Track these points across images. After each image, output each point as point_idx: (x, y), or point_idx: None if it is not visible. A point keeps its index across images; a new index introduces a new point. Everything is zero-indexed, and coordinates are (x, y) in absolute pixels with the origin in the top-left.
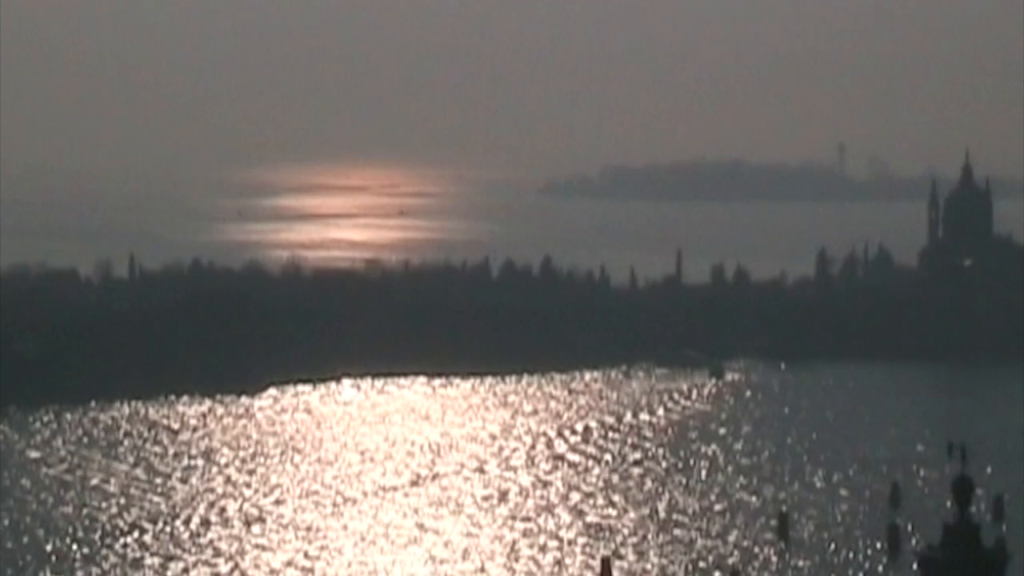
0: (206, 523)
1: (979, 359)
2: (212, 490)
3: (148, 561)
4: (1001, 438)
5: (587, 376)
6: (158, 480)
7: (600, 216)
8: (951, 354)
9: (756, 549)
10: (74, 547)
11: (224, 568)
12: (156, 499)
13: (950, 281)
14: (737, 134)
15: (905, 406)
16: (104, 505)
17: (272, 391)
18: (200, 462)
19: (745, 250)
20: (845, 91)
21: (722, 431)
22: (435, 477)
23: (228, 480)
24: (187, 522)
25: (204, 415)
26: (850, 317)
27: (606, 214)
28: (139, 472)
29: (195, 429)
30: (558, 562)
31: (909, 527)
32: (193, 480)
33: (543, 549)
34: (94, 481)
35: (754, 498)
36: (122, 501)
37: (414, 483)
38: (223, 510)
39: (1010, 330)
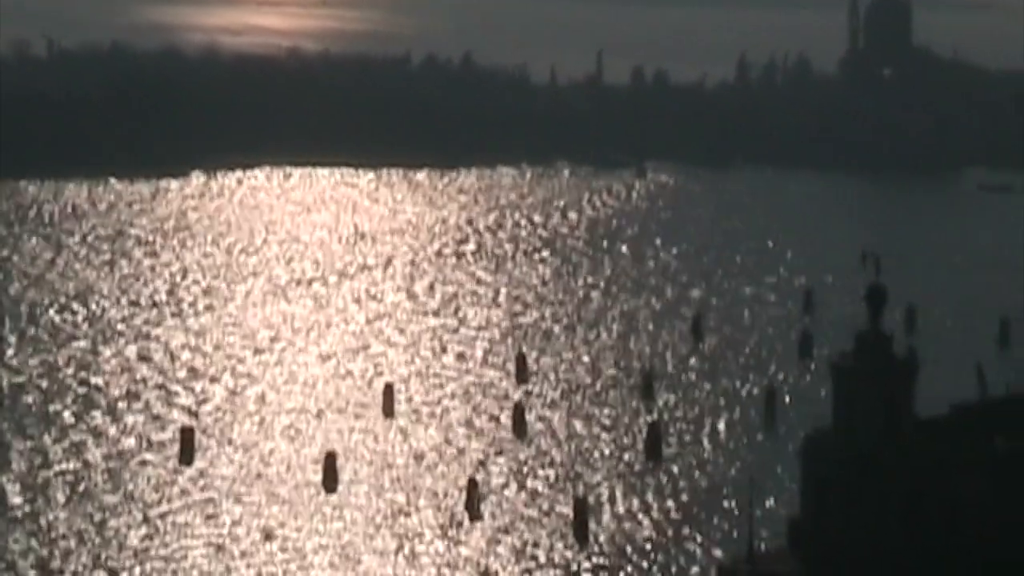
0: (119, 304)
1: (896, 169)
2: (127, 272)
3: (60, 340)
4: (916, 248)
5: (507, 172)
6: (74, 261)
7: (521, 13)
8: (868, 163)
9: (670, 350)
10: None
11: (134, 347)
12: (71, 280)
13: (869, 90)
14: None
15: (821, 214)
16: (18, 284)
17: (193, 175)
18: (118, 244)
19: (665, 53)
20: None
21: (640, 232)
22: (352, 269)
23: (143, 263)
24: (100, 303)
25: (124, 197)
26: (769, 123)
27: (527, 12)
28: (55, 252)
29: (114, 211)
30: (471, 358)
31: (822, 334)
32: (109, 261)
33: (456, 344)
34: (8, 258)
35: (669, 300)
36: (37, 280)
37: (331, 274)
38: (138, 293)
39: (927, 141)
